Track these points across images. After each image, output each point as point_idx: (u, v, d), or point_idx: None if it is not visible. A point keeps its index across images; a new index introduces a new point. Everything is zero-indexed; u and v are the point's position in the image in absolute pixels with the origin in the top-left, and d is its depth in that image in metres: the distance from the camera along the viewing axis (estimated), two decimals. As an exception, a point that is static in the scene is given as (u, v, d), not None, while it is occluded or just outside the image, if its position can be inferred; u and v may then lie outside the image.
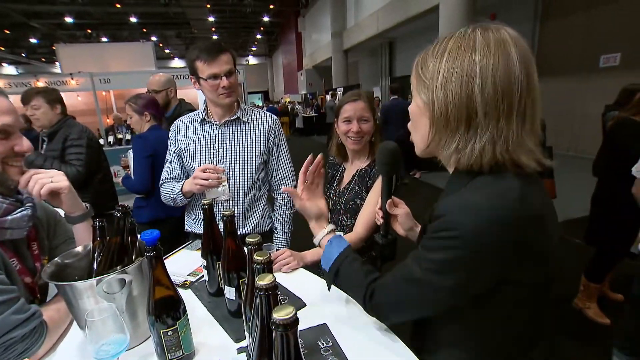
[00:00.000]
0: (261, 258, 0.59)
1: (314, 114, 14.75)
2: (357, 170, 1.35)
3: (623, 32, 6.34)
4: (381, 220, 0.93)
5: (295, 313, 0.45)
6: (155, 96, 2.31)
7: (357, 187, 1.33)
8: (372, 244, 0.89)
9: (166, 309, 0.72)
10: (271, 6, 18.15)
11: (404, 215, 0.94)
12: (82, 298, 0.73)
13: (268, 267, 0.60)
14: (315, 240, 0.88)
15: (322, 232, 0.88)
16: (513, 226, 0.57)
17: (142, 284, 0.79)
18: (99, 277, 0.72)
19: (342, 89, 12.70)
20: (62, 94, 2.43)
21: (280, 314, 0.44)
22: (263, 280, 0.52)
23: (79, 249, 0.89)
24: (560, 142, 7.69)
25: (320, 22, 16.50)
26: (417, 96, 0.67)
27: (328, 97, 13.35)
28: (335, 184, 1.45)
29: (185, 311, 0.75)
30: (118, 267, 0.79)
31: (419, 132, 0.69)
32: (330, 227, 0.88)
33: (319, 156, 0.90)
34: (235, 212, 1.47)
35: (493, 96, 0.57)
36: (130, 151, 2.02)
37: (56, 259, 0.83)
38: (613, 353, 1.89)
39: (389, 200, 0.91)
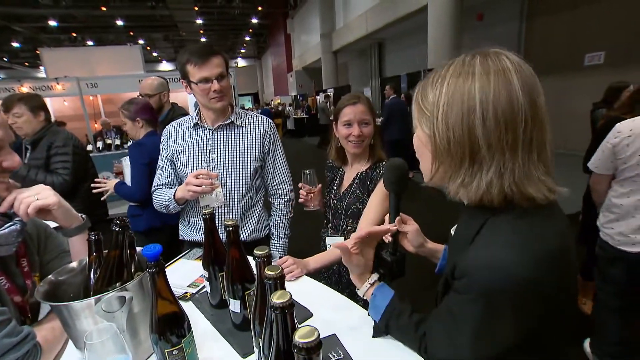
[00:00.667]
0: (273, 273, 0.56)
1: (304, 116, 14.72)
2: (357, 174, 1.32)
3: (607, 31, 6.48)
4: (390, 238, 0.88)
5: (319, 335, 0.42)
6: (148, 100, 2.25)
7: (358, 191, 1.31)
8: (380, 261, 0.85)
9: (170, 326, 0.68)
10: (259, 8, 18.09)
11: (414, 232, 0.90)
12: (79, 318, 0.69)
13: (280, 282, 0.56)
14: (360, 292, 0.83)
15: (364, 286, 0.83)
16: (544, 280, 0.54)
17: (143, 301, 0.75)
18: (98, 295, 0.68)
19: (332, 89, 12.71)
20: (48, 99, 2.36)
21: (303, 337, 0.41)
22: (278, 298, 0.49)
23: (74, 264, 0.84)
24: (548, 139, 7.81)
25: (309, 23, 16.50)
26: (418, 127, 0.65)
27: (319, 98, 13.34)
28: (335, 187, 1.42)
29: (190, 328, 0.71)
30: (117, 284, 0.75)
31: (423, 163, 0.67)
32: (374, 277, 0.83)
33: (395, 226, 0.85)
34: (232, 218, 1.44)
35: (495, 128, 0.54)
36: (125, 158, 1.96)
37: (50, 276, 0.79)
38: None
39: (398, 218, 0.87)
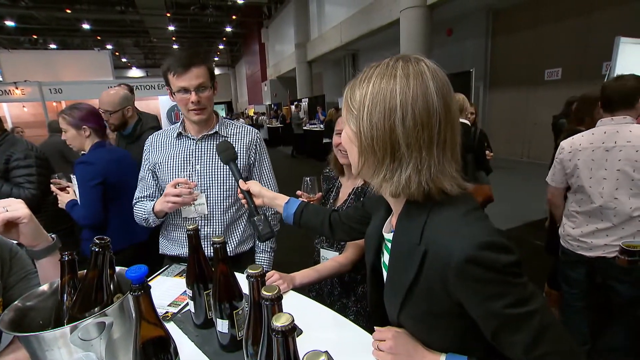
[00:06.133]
0: (270, 293, 0.53)
1: (279, 125, 14.66)
2: (353, 189, 1.31)
3: (563, 49, 7.00)
4: (244, 200, 1.08)
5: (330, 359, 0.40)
6: (109, 118, 2.04)
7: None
8: (251, 226, 1.06)
9: (156, 351, 0.63)
10: (234, 17, 18.01)
11: (252, 184, 1.09)
12: (51, 349, 0.62)
13: (278, 303, 0.54)
14: None
15: None
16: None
17: (123, 325, 0.70)
18: (74, 323, 0.62)
19: (307, 99, 12.78)
20: (5, 105, 2.16)
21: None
22: (281, 322, 0.46)
23: (44, 287, 0.77)
24: (514, 149, 8.25)
25: (283, 33, 16.59)
26: (346, 124, 0.68)
27: (293, 107, 13.35)
28: (331, 200, 1.40)
29: (177, 352, 0.67)
30: (96, 309, 0.69)
31: (352, 158, 0.70)
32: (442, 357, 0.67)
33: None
34: (214, 231, 1.39)
35: (413, 128, 0.58)
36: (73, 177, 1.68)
37: (16, 302, 0.71)
38: None
39: (241, 180, 1.08)
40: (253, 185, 1.09)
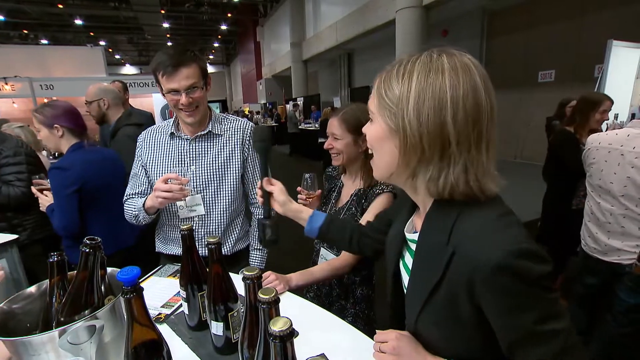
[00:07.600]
0: (268, 297, 0.52)
1: (274, 124, 14.60)
2: (355, 190, 1.29)
3: (556, 51, 7.06)
4: (261, 200, 0.98)
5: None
6: (87, 108, 2.01)
7: (353, 209, 1.27)
8: (258, 227, 0.96)
9: (148, 355, 0.62)
10: (229, 14, 17.89)
11: (278, 190, 0.98)
12: (39, 354, 0.60)
13: (275, 306, 0.53)
14: None
15: None
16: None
17: (115, 328, 0.68)
18: (63, 327, 0.60)
19: (302, 98, 12.77)
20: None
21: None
22: (279, 327, 0.45)
23: (32, 289, 0.75)
24: (507, 150, 8.31)
25: (279, 32, 16.53)
26: (379, 118, 0.63)
27: (289, 106, 13.32)
28: (332, 200, 1.38)
29: (170, 356, 0.65)
30: (86, 311, 0.67)
31: (383, 157, 0.65)
32: None
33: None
34: (214, 231, 1.37)
35: (465, 124, 0.56)
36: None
37: (2, 304, 0.69)
38: None
39: (266, 178, 0.97)
40: (279, 193, 0.98)
